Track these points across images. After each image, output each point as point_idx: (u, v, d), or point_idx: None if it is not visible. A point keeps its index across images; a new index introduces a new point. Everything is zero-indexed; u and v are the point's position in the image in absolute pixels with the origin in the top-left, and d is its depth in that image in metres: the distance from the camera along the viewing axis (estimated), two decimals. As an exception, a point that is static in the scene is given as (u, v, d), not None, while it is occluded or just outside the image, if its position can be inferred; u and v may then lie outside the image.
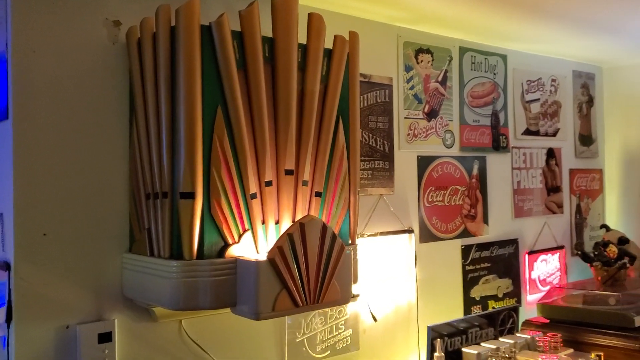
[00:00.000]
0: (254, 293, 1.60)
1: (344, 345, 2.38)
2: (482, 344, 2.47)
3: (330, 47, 1.90)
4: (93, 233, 1.76)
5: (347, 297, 1.80)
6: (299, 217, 1.80)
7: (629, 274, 3.20)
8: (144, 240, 1.74)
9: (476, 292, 2.95)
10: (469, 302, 2.90)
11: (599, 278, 3.05)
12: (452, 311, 2.82)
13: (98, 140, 1.77)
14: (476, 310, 2.91)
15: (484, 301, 2.98)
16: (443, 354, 2.29)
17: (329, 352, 2.33)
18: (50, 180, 1.68)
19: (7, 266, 1.64)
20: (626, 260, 2.98)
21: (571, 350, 2.49)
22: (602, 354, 2.43)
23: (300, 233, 1.66)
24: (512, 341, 2.47)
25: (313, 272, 1.69)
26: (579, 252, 3.17)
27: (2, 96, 1.66)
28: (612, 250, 3.02)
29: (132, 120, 1.81)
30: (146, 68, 1.72)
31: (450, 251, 2.84)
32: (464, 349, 2.40)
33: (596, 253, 3.04)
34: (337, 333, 2.36)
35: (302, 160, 1.82)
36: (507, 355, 2.29)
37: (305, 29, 1.85)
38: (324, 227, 1.71)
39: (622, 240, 3.21)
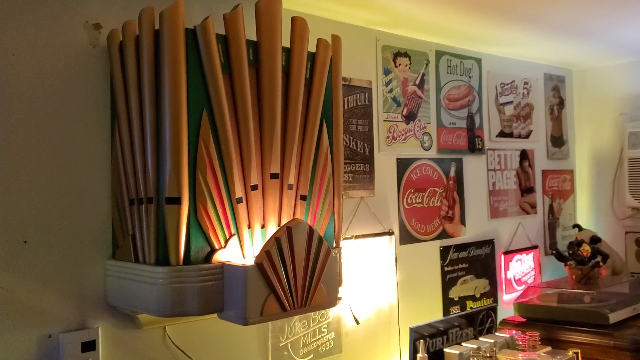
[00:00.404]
0: (242, 298, 1.59)
1: (327, 348, 2.38)
2: (463, 344, 2.50)
3: (313, 50, 1.91)
4: (75, 240, 1.73)
5: (333, 300, 1.81)
6: (284, 221, 1.80)
7: (601, 272, 3.27)
8: (128, 246, 1.71)
9: (455, 293, 2.98)
10: (447, 303, 2.93)
11: (574, 277, 3.12)
12: (432, 312, 2.85)
13: (79, 145, 1.74)
14: (455, 311, 2.94)
15: (462, 301, 3.02)
16: (426, 355, 2.31)
17: (312, 355, 2.32)
18: (30, 186, 1.65)
19: (-14, 275, 1.60)
20: (599, 259, 3.05)
21: (549, 348, 2.54)
22: (579, 350, 2.48)
23: (287, 237, 1.66)
24: (492, 340, 2.50)
25: (300, 276, 1.69)
26: (554, 252, 3.23)
27: (-21, 101, 1.62)
28: (586, 249, 3.08)
29: (114, 125, 1.79)
30: (129, 72, 1.69)
31: (429, 252, 2.87)
32: (445, 349, 2.42)
33: (570, 252, 3.10)
34: (320, 336, 2.36)
35: (287, 163, 1.81)
36: (488, 355, 2.32)
37: (288, 32, 1.85)
38: (311, 231, 1.72)
39: (594, 239, 3.28)
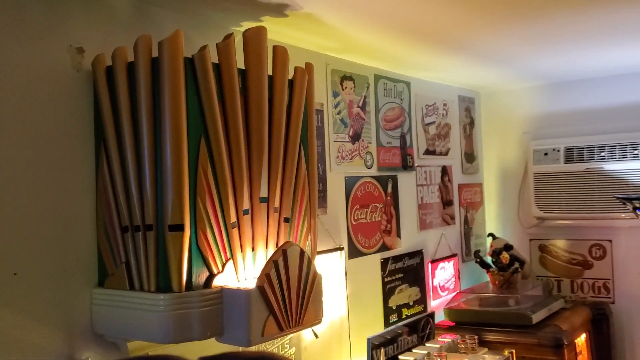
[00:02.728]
0: (245, 321, 1.64)
1: (289, 363, 2.45)
2: (414, 350, 2.67)
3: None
4: (62, 269, 1.68)
5: (320, 316, 1.90)
6: (271, 243, 1.86)
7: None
8: (121, 274, 1.69)
9: (393, 302, 3.16)
10: (388, 312, 3.11)
11: (496, 282, 3.42)
12: (375, 321, 3.01)
13: (63, 171, 1.70)
14: (393, 319, 3.13)
15: (399, 309, 3.20)
16: (387, 363, 2.45)
17: (276, 371, 2.38)
18: (18, 216, 1.59)
19: (-26, 311, 1.52)
20: (517, 265, 3.38)
21: (486, 349, 2.78)
22: (514, 350, 2.75)
23: (283, 259, 1.73)
24: (438, 345, 2.70)
25: (294, 296, 1.76)
26: (478, 260, 3.52)
27: (-36, 127, 1.54)
28: (505, 257, 3.40)
29: (99, 150, 1.76)
30: (120, 98, 1.68)
31: (372, 265, 3.03)
32: (400, 357, 2.58)
33: (494, 260, 3.40)
34: (283, 352, 2.42)
35: (272, 187, 1.88)
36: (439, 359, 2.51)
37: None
38: (302, 252, 1.80)
39: (508, 247, 3.62)
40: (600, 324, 3.52)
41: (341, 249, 2.77)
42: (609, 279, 3.77)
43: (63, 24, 1.71)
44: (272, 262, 1.70)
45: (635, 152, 3.52)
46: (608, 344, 3.55)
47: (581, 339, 3.30)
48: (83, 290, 1.73)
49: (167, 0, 1.94)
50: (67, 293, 1.69)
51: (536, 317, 3.03)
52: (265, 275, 1.68)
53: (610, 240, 3.79)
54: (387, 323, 3.07)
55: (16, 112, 1.59)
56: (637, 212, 3.09)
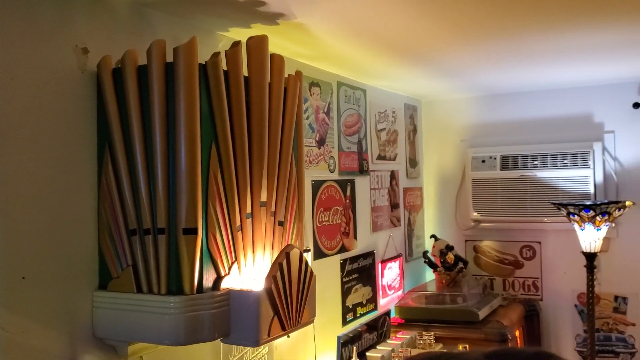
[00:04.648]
0: (254, 322, 1.69)
1: (262, 362, 2.51)
2: (378, 347, 2.81)
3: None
4: (64, 272, 1.66)
5: (313, 315, 1.98)
6: (268, 246, 1.92)
7: (455, 276, 3.84)
8: (127, 277, 1.69)
9: (350, 301, 3.29)
10: (345, 311, 3.22)
11: (443, 281, 3.63)
12: (334, 320, 3.11)
13: (66, 172, 1.68)
14: (349, 317, 3.25)
15: (354, 308, 3.33)
16: (359, 360, 2.57)
17: (251, 370, 2.44)
18: (27, 218, 1.56)
19: (-17, 316, 1.47)
20: (462, 265, 3.60)
21: (441, 345, 2.96)
22: (467, 345, 2.94)
23: (286, 261, 1.80)
24: (399, 342, 2.85)
25: (294, 297, 1.84)
26: (426, 260, 3.71)
27: (-26, 126, 1.49)
28: (450, 257, 3.61)
29: (102, 152, 1.75)
30: (130, 101, 1.68)
31: (333, 266, 3.13)
32: (368, 353, 2.70)
33: (442, 260, 3.60)
34: (257, 352, 2.47)
35: (269, 192, 1.94)
36: (403, 355, 2.65)
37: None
38: (301, 255, 1.87)
39: (449, 247, 3.84)
40: (532, 320, 3.83)
41: (308, 250, 2.85)
42: (538, 278, 4.09)
43: (69, 24, 1.69)
44: (278, 264, 1.77)
45: (565, 161, 3.85)
46: (538, 338, 3.86)
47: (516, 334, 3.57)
48: (84, 293, 1.71)
49: (165, 4, 1.95)
50: (69, 296, 1.67)
51: (482, 314, 3.25)
52: (272, 277, 1.73)
53: (539, 242, 4.12)
54: (344, 321, 3.19)
55: (24, 112, 1.56)
56: (570, 216, 3.40)
